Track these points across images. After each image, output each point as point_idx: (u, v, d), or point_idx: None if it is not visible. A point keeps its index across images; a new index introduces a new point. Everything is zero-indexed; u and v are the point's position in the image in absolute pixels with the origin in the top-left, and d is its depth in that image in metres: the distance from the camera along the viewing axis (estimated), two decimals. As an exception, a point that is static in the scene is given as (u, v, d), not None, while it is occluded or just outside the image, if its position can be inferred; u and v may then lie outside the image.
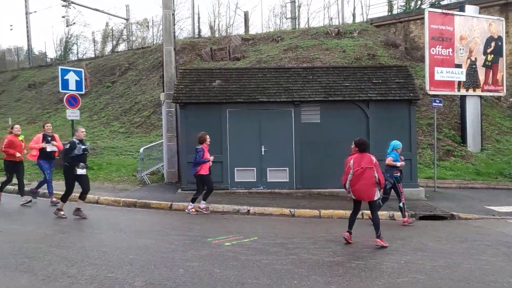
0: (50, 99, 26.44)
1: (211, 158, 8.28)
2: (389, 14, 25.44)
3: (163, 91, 11.52)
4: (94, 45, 34.65)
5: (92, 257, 5.13)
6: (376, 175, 5.88)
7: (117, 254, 5.31)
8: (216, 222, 7.59)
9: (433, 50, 13.00)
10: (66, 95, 11.84)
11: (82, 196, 7.59)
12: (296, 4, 31.07)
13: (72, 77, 11.84)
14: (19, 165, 8.70)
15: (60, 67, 12.30)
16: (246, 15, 30.49)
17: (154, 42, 31.50)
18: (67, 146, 7.30)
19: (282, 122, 10.17)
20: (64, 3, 34.45)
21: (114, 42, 35.19)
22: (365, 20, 26.80)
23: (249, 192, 10.06)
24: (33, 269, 4.66)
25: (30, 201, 8.66)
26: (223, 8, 48.98)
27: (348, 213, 8.19)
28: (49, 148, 8.60)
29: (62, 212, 7.38)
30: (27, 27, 34.83)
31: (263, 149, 10.13)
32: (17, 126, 8.92)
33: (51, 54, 37.79)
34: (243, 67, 16.45)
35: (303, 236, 6.61)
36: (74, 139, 7.34)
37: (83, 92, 12.98)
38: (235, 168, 10.18)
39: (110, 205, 8.92)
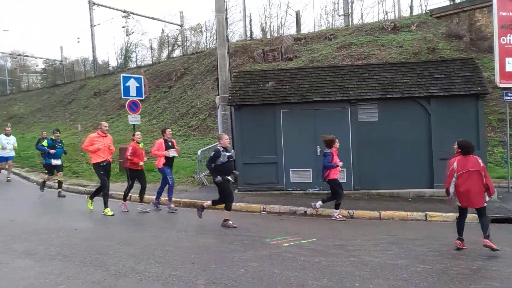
0: (113, 105, 28.10)
1: (340, 163, 8.06)
2: (451, 3, 23.97)
3: (218, 95, 11.76)
4: (151, 52, 36.31)
5: (157, 256, 5.35)
6: (484, 179, 5.47)
7: (179, 253, 5.50)
8: (273, 222, 7.59)
9: (503, 40, 12.00)
10: (128, 101, 12.50)
11: (227, 207, 7.16)
12: (349, 0, 30.38)
13: (132, 84, 12.47)
14: (141, 171, 8.74)
15: (122, 75, 13.01)
16: (297, 15, 30.31)
17: (208, 47, 32.34)
18: (212, 154, 7.16)
19: (338, 121, 9.96)
20: (124, 14, 36.50)
21: (170, 48, 36.59)
22: (423, 11, 25.52)
23: (305, 193, 9.96)
24: (105, 265, 4.96)
25: (148, 211, 8.51)
26: (274, 9, 49.27)
27: (410, 214, 7.90)
28: (171, 153, 8.64)
29: (230, 222, 7.03)
30: (92, 39, 37.29)
31: (318, 150, 9.97)
32: (138, 133, 8.94)
33: (113, 63, 40.15)
34: (296, 67, 16.36)
35: (363, 238, 6.41)
36: (219, 147, 7.13)
37: (143, 98, 13.62)
38: (290, 169, 10.13)
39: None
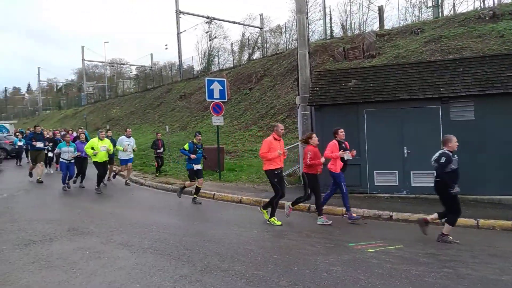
0: (197, 107, 29.53)
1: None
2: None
3: (298, 95, 11.69)
4: (233, 55, 37.47)
5: (240, 254, 5.46)
6: None
7: (261, 252, 5.55)
8: (357, 226, 7.31)
9: None
10: (212, 103, 13.02)
11: (453, 220, 6.24)
12: (439, -10, 28.24)
13: (216, 87, 12.97)
14: (318, 178, 7.65)
15: (206, 78, 13.58)
16: (380, 10, 28.99)
17: (287, 47, 32.44)
18: (442, 159, 6.13)
19: (427, 120, 9.28)
20: (207, 20, 38.21)
21: (250, 51, 37.44)
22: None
23: (390, 197, 9.46)
24: (192, 260, 5.19)
25: (330, 224, 7.38)
26: (355, 5, 47.55)
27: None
28: (346, 156, 7.59)
29: (450, 238, 6.16)
30: (178, 45, 39.65)
31: (405, 151, 9.41)
32: (314, 135, 7.76)
33: (197, 67, 42.19)
34: (380, 64, 15.63)
35: (459, 247, 5.87)
36: (446, 151, 6.22)
37: (225, 100, 14.09)
38: (375, 171, 9.69)
39: (252, 204, 9.39)
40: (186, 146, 9.50)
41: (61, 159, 11.59)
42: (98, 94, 60.20)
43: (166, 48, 73.46)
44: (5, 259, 5.38)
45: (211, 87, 12.86)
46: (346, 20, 32.54)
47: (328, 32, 30.94)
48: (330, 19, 31.49)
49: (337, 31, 32.07)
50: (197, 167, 9.57)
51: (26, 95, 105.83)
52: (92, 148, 10.97)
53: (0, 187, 12.25)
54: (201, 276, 4.62)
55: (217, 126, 13.22)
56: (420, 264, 5.03)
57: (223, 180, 12.46)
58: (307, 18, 12.35)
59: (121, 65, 73.44)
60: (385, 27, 27.40)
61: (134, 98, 43.87)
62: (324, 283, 4.41)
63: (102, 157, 11.13)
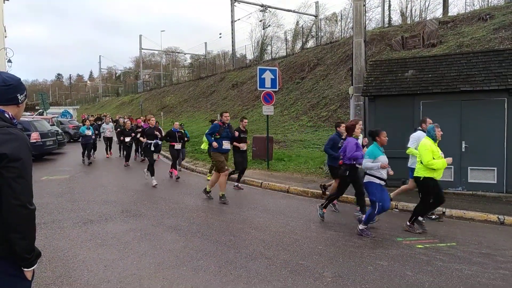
0: (249, 96, 29.79)
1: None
2: None
3: (352, 85, 11.41)
4: (286, 44, 37.19)
5: (285, 243, 5.52)
6: None
7: (307, 243, 5.57)
8: (406, 221, 7.06)
9: None
10: (263, 92, 13.08)
11: None
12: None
13: (268, 76, 12.98)
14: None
15: (258, 67, 13.63)
16: (444, -5, 27.29)
17: (342, 36, 31.62)
18: None
19: (490, 114, 8.70)
20: (261, 8, 38.17)
21: (304, 40, 36.93)
22: None
23: (444, 192, 9.01)
24: (237, 247, 5.34)
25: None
26: (417, -9, 45.12)
27: None
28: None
29: None
30: (232, 33, 40.05)
31: (463, 145, 8.91)
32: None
33: (249, 56, 42.43)
34: (441, 54, 14.79)
35: (519, 250, 5.50)
36: None
37: (276, 89, 14.07)
38: (429, 165, 9.27)
39: (299, 195, 9.41)
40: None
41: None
42: (154, 81, 62.72)
43: (220, 37, 74.67)
44: (66, 235, 5.86)
45: (262, 76, 12.90)
46: (406, 7, 31.07)
47: (386, 19, 29.70)
48: (389, 6, 30.20)
49: (396, 19, 30.75)
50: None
51: (88, 82, 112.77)
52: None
53: (62, 169, 13.26)
54: (246, 263, 4.74)
55: (267, 115, 13.27)
56: (474, 264, 4.79)
57: (271, 169, 12.54)
58: (364, 5, 11.94)
59: (176, 54, 75.72)
60: (449, 14, 25.78)
61: (188, 86, 45.10)
62: (369, 276, 4.35)
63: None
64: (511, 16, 19.03)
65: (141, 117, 20.04)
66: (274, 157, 14.07)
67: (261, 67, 14.16)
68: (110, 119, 21.17)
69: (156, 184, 10.10)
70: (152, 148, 10.37)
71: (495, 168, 8.70)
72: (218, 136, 8.53)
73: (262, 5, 38.63)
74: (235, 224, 6.56)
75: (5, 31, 34.14)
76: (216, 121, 9.27)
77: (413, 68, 10.07)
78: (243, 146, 9.76)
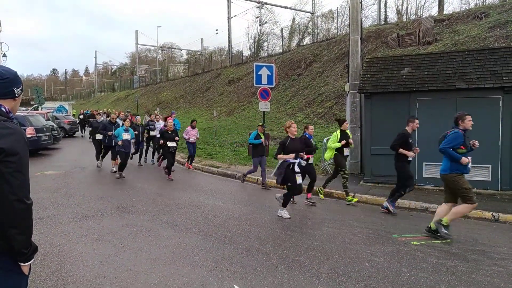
0: (245, 93, 29.75)
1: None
2: None
3: (348, 82, 11.43)
4: (282, 41, 37.15)
5: (281, 239, 5.54)
6: None
7: (303, 239, 5.58)
8: (402, 218, 7.12)
9: None
10: (259, 89, 13.05)
11: None
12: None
13: (264, 72, 12.94)
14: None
15: (255, 64, 13.59)
16: (440, -6, 27.36)
17: (338, 33, 31.63)
18: None
19: (485, 111, 8.74)
20: (258, 5, 38.04)
21: (300, 36, 36.91)
22: None
23: (439, 189, 9.05)
24: (233, 243, 5.34)
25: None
26: (413, -11, 45.19)
27: None
28: None
29: None
30: (228, 30, 39.92)
31: (458, 143, 8.95)
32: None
33: (246, 52, 42.33)
34: (437, 52, 14.83)
35: (512, 246, 5.56)
36: None
37: (273, 86, 14.05)
38: (424, 163, 9.33)
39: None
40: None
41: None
42: (150, 77, 62.41)
43: (217, 33, 74.34)
44: (61, 230, 5.84)
45: (259, 73, 12.86)
46: (402, 5, 31.16)
47: (382, 17, 29.75)
48: (385, 3, 30.27)
49: (392, 16, 30.87)
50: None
51: (84, 77, 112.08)
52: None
53: (58, 164, 13.19)
54: (242, 259, 4.75)
55: (263, 112, 13.26)
56: (468, 261, 4.83)
57: (267, 165, 12.53)
58: (360, 2, 11.94)
59: (172, 50, 75.34)
60: (445, 12, 25.87)
61: (184, 82, 44.96)
62: (365, 273, 4.37)
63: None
64: (506, 14, 19.13)
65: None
66: (270, 153, 14.06)
67: (258, 63, 14.12)
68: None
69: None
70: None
71: (490, 166, 8.76)
72: (465, 150, 6.00)
73: (258, 1, 38.51)
74: (232, 220, 6.56)
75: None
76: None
77: (409, 66, 10.10)
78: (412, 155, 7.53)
